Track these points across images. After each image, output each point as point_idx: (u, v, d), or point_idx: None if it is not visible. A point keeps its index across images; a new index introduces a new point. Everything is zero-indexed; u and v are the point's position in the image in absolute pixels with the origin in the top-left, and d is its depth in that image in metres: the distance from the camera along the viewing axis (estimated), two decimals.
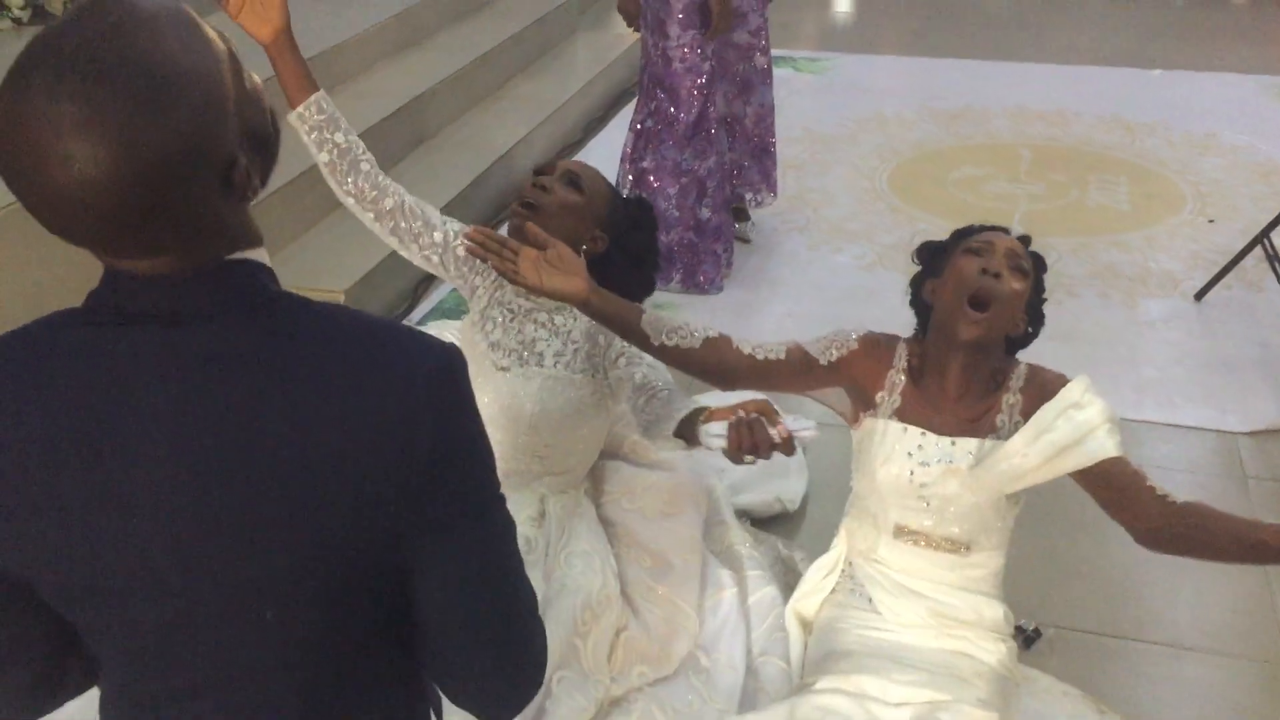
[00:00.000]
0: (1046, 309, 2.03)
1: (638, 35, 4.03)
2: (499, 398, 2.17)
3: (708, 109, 3.88)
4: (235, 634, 1.02)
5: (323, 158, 2.06)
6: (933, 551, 2.00)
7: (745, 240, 4.36)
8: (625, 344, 2.08)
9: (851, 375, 2.01)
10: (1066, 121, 5.73)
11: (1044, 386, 1.92)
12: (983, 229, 2.02)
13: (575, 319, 2.18)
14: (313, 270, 3.70)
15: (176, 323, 0.96)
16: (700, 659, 2.24)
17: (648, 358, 2.06)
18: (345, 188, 2.09)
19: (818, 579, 2.17)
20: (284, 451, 0.95)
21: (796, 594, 2.21)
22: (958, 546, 1.99)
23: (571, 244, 2.02)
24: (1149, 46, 7.09)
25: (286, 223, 3.80)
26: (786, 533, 2.77)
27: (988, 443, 1.92)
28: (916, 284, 2.07)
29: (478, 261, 2.14)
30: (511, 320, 2.20)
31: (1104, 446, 1.81)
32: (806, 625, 2.20)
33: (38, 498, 0.96)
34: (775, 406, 1.77)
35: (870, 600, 2.05)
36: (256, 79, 1.01)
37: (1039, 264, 2.01)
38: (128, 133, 0.86)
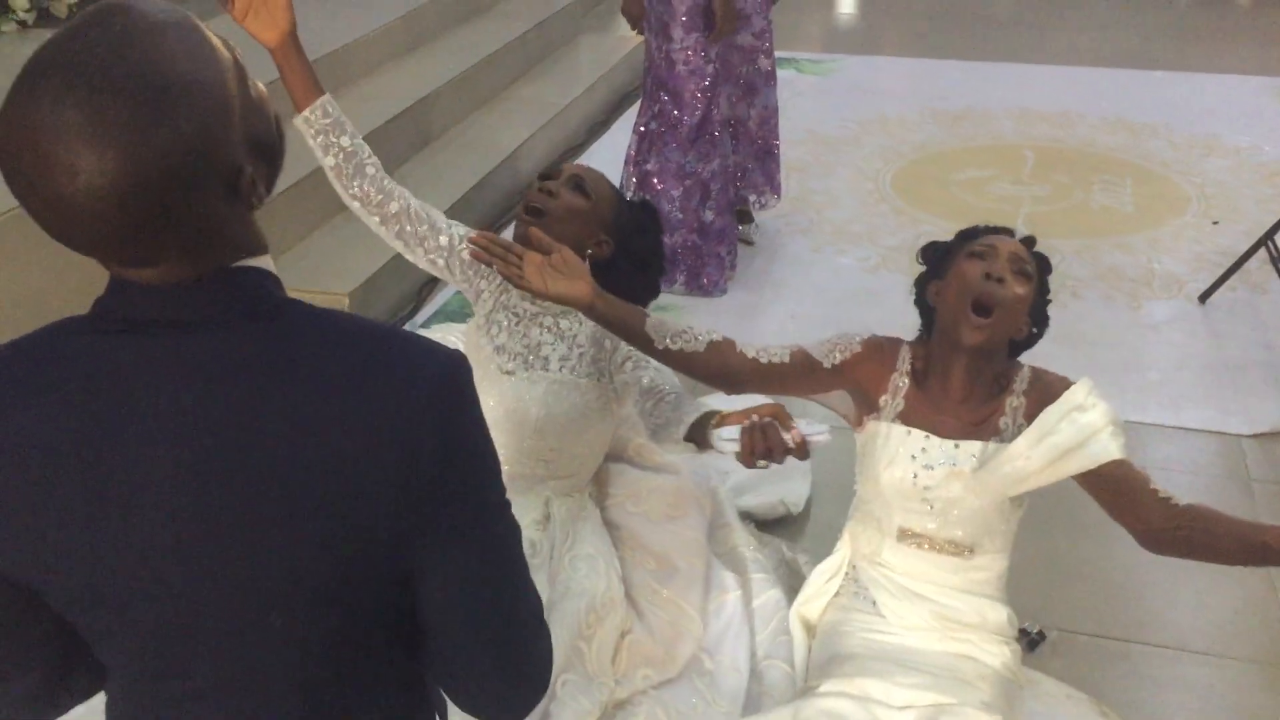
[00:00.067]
0: (1050, 310, 2.02)
1: (641, 38, 4.03)
2: (504, 401, 2.17)
3: (711, 111, 3.89)
4: (239, 638, 1.03)
5: (328, 161, 2.06)
6: (936, 554, 2.00)
7: (749, 242, 4.36)
8: (631, 348, 2.08)
9: (855, 378, 2.01)
10: (1070, 123, 5.73)
11: (1047, 389, 1.92)
12: (987, 231, 2.02)
13: (580, 323, 2.19)
14: (317, 273, 3.70)
15: (182, 330, 0.96)
16: (704, 662, 2.24)
17: (655, 361, 2.07)
18: (351, 191, 2.09)
19: (821, 582, 2.17)
20: (288, 457, 0.96)
21: (800, 597, 2.21)
22: (961, 549, 1.99)
23: (577, 248, 2.02)
24: (1152, 48, 7.08)
25: (291, 225, 3.81)
26: (790, 535, 2.77)
27: (991, 445, 1.92)
28: (921, 284, 2.07)
29: (483, 265, 2.14)
30: (517, 324, 2.21)
31: (1107, 449, 1.81)
32: (810, 628, 2.20)
33: (43, 503, 0.96)
34: (788, 411, 1.76)
35: (874, 603, 2.06)
36: (262, 87, 1.01)
37: (1044, 265, 2.01)
38: (133, 142, 0.86)
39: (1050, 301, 2.02)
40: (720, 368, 1.94)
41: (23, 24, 4.53)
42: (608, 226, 2.16)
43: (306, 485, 0.96)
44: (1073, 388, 1.86)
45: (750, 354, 1.96)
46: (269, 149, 1.01)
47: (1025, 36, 7.38)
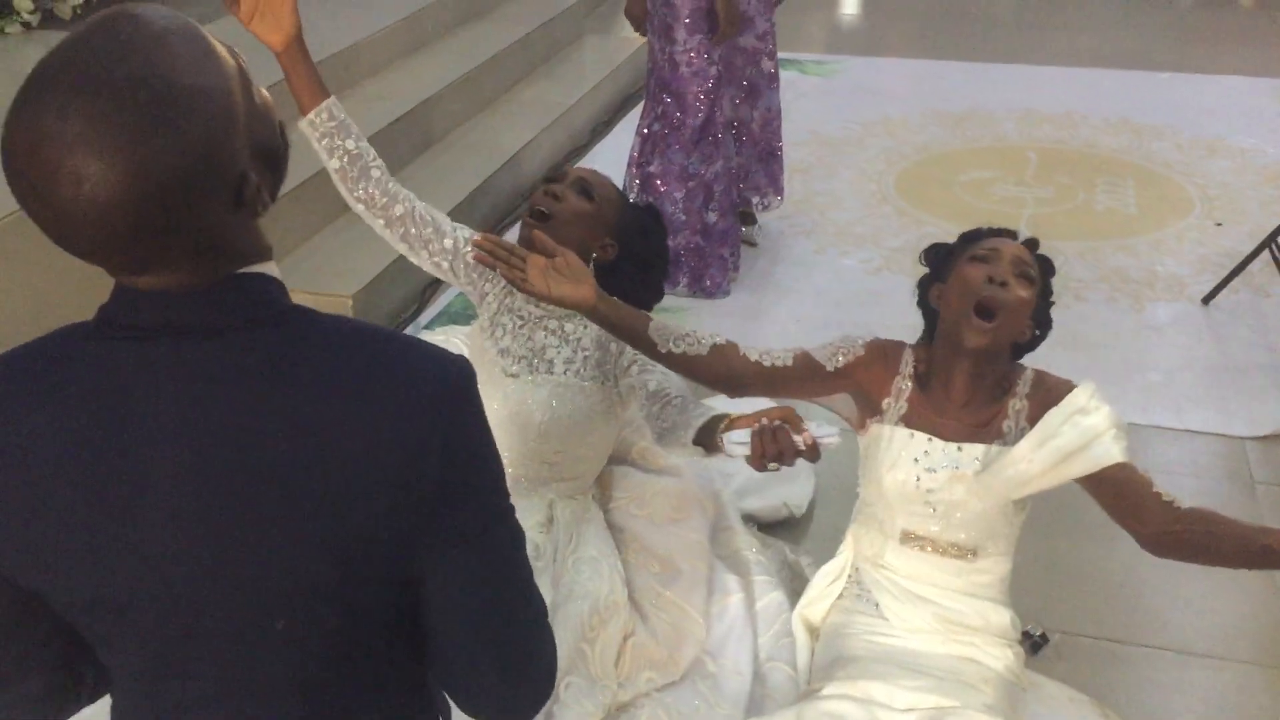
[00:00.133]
0: (1053, 312, 2.02)
1: (644, 39, 4.03)
2: (508, 404, 2.17)
3: (714, 113, 3.89)
4: (242, 640, 1.03)
5: (334, 164, 2.06)
6: (939, 557, 2.00)
7: (752, 244, 4.37)
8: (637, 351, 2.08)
9: (858, 381, 2.01)
10: (1073, 124, 5.72)
11: (1050, 392, 1.92)
12: (989, 233, 2.02)
13: (585, 326, 2.19)
14: (320, 274, 3.71)
15: (186, 336, 0.96)
16: (707, 664, 2.24)
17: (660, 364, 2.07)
18: (356, 194, 2.09)
19: (824, 584, 2.17)
20: (291, 462, 0.96)
21: (803, 599, 2.21)
22: (964, 552, 1.99)
23: (582, 252, 2.03)
24: (1156, 49, 7.08)
25: (294, 227, 3.81)
26: (793, 538, 2.77)
27: (994, 448, 1.92)
28: (923, 287, 2.07)
29: (487, 268, 2.15)
30: (521, 327, 2.21)
31: (1110, 452, 1.81)
32: (813, 631, 2.20)
33: (47, 507, 0.97)
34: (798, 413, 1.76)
35: (877, 606, 2.06)
36: (266, 94, 1.01)
37: (1047, 268, 2.01)
38: (138, 151, 0.86)
39: (1053, 304, 2.02)
40: (723, 371, 1.94)
41: (27, 25, 4.54)
42: (612, 229, 2.16)
43: (309, 489, 0.96)
44: (1075, 391, 1.86)
45: (753, 357, 1.96)
46: (273, 156, 1.01)
47: (1028, 37, 7.38)
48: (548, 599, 1.99)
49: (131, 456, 0.96)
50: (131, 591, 0.99)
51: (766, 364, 1.96)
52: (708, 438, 1.84)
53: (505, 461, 1.10)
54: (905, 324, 2.18)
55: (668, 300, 3.57)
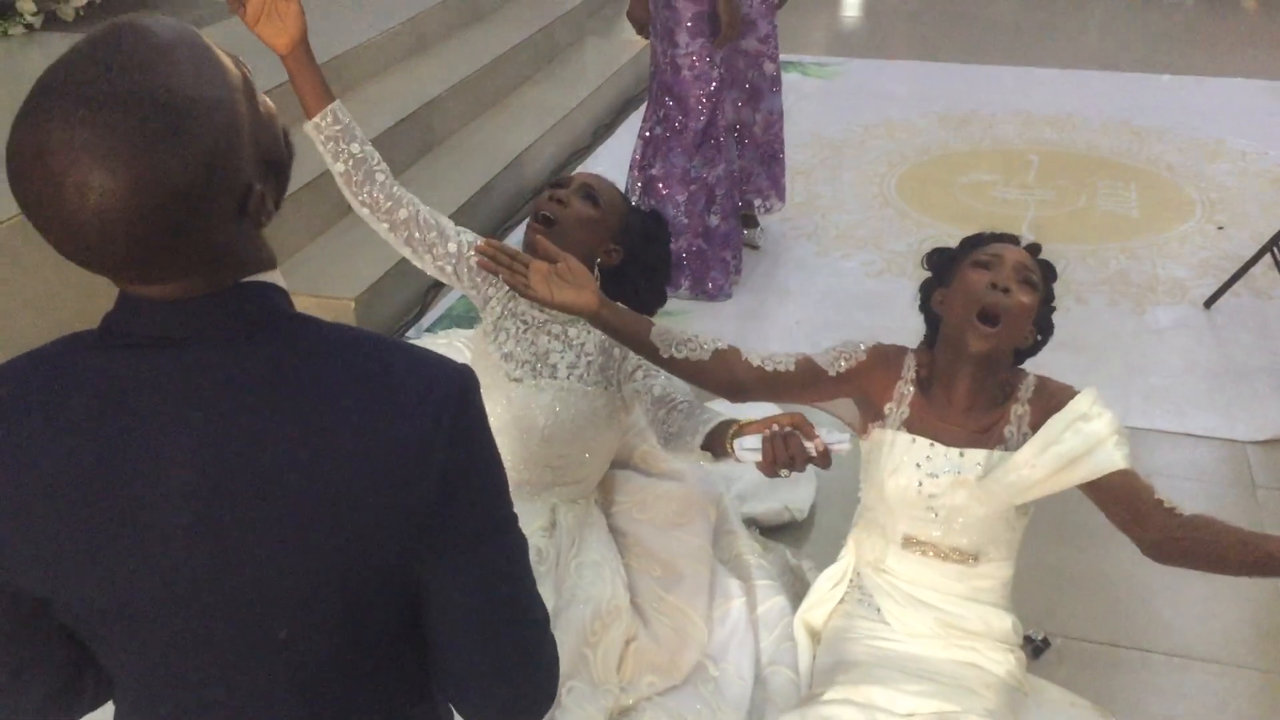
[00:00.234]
0: (1055, 316, 2.02)
1: (646, 42, 4.04)
2: (511, 408, 2.18)
3: (716, 116, 3.89)
4: (247, 653, 1.03)
5: (338, 168, 2.06)
6: (941, 562, 2.00)
7: (754, 247, 4.37)
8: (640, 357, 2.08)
9: (860, 386, 2.02)
10: (1075, 127, 5.72)
11: (1052, 398, 1.92)
12: (992, 238, 2.02)
13: (588, 331, 2.19)
14: (323, 277, 3.71)
15: (190, 345, 0.96)
16: (709, 668, 2.24)
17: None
18: (360, 198, 2.09)
19: (826, 589, 2.17)
20: (295, 471, 0.96)
21: (805, 604, 2.21)
22: (966, 557, 1.99)
23: (587, 257, 2.03)
24: (1157, 51, 7.08)
25: (297, 229, 3.82)
26: (795, 542, 2.77)
27: (996, 454, 1.92)
28: (926, 290, 2.07)
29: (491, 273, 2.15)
30: (525, 332, 2.21)
31: (1112, 459, 1.81)
32: (815, 635, 2.20)
33: (52, 516, 0.97)
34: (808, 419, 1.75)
35: (879, 610, 2.06)
36: (270, 104, 1.01)
37: (1049, 273, 2.01)
38: (143, 161, 0.86)
39: (1055, 309, 2.02)
40: (726, 376, 1.94)
41: (30, 28, 4.54)
42: (617, 235, 2.17)
43: (313, 499, 0.97)
44: (1078, 397, 1.86)
45: (755, 362, 1.96)
46: (278, 165, 1.01)
47: (1029, 40, 7.38)
48: (550, 603, 2.00)
49: (136, 465, 0.96)
50: (134, 598, 0.99)
51: (769, 369, 1.96)
52: (716, 443, 1.84)
53: (508, 466, 1.10)
54: (907, 327, 2.19)
55: (670, 303, 3.56)
